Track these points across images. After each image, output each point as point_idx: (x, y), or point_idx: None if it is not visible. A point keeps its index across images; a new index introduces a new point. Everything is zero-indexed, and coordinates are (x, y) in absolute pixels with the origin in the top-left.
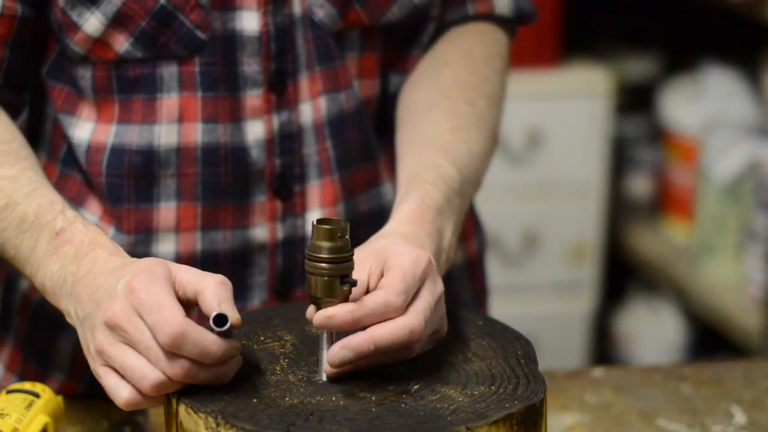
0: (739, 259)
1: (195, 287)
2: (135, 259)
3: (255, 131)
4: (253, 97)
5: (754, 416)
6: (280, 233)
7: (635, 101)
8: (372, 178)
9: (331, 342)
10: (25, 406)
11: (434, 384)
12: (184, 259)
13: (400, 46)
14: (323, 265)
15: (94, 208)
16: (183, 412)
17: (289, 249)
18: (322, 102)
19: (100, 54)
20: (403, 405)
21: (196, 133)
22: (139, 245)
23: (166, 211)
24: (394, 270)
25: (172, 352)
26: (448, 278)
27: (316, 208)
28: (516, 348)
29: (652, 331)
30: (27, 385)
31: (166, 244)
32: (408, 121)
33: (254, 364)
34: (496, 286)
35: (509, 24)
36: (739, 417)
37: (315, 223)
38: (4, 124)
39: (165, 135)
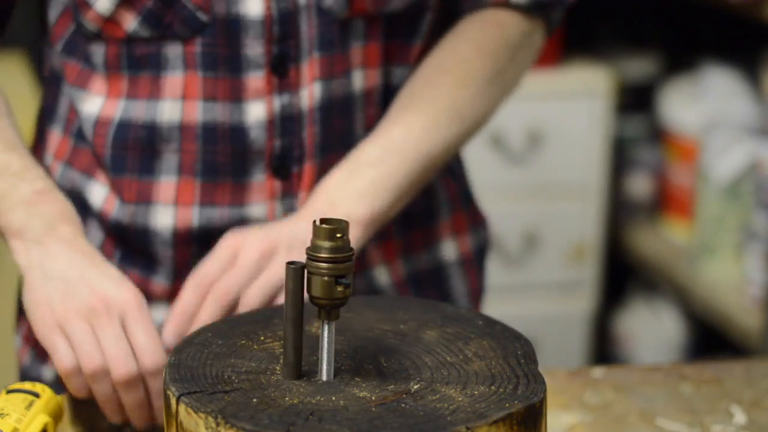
0: (739, 259)
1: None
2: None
3: (256, 112)
4: (255, 79)
5: (754, 416)
6: (279, 212)
7: (635, 101)
8: None
9: (331, 342)
10: (25, 406)
11: (434, 384)
12: (181, 233)
13: (400, 38)
14: (322, 264)
15: (103, 179)
16: (183, 412)
17: None
18: (316, 87)
19: (111, 32)
20: (403, 405)
21: (197, 111)
22: (139, 215)
23: (167, 185)
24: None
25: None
26: (438, 272)
27: (305, 190)
28: (516, 348)
29: (652, 331)
30: (27, 385)
31: (165, 217)
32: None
33: (254, 364)
34: (496, 286)
35: (531, 12)
36: (739, 417)
37: (315, 222)
38: None
39: (168, 111)
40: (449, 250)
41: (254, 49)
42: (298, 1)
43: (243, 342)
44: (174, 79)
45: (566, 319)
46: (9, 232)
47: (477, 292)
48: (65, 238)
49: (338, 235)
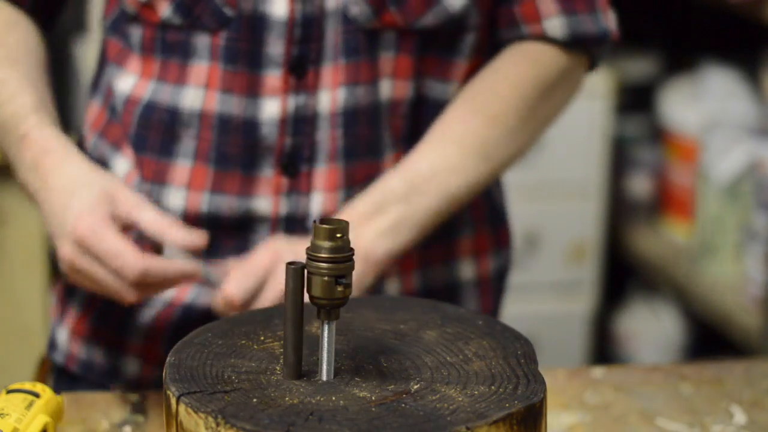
0: (739, 259)
1: (135, 213)
2: (84, 171)
3: (270, 109)
4: (273, 77)
5: (754, 416)
6: (283, 208)
7: (635, 101)
8: (373, 173)
9: (331, 342)
10: (25, 406)
11: (434, 384)
12: (190, 216)
13: (438, 53)
14: (322, 264)
15: (129, 155)
16: (183, 412)
17: (291, 225)
18: (340, 92)
19: (148, 16)
20: (403, 405)
21: (215, 101)
22: (154, 194)
23: (182, 169)
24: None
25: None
26: (452, 289)
27: (320, 191)
28: (516, 348)
29: (652, 331)
30: (27, 385)
31: (177, 198)
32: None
33: (254, 364)
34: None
35: (570, 47)
36: (739, 417)
37: (315, 222)
38: (17, 31)
39: (191, 98)
40: (467, 269)
41: (275, 48)
42: (324, 7)
43: (243, 342)
44: (199, 68)
45: (566, 319)
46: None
47: (490, 313)
48: (39, 188)
49: (338, 235)
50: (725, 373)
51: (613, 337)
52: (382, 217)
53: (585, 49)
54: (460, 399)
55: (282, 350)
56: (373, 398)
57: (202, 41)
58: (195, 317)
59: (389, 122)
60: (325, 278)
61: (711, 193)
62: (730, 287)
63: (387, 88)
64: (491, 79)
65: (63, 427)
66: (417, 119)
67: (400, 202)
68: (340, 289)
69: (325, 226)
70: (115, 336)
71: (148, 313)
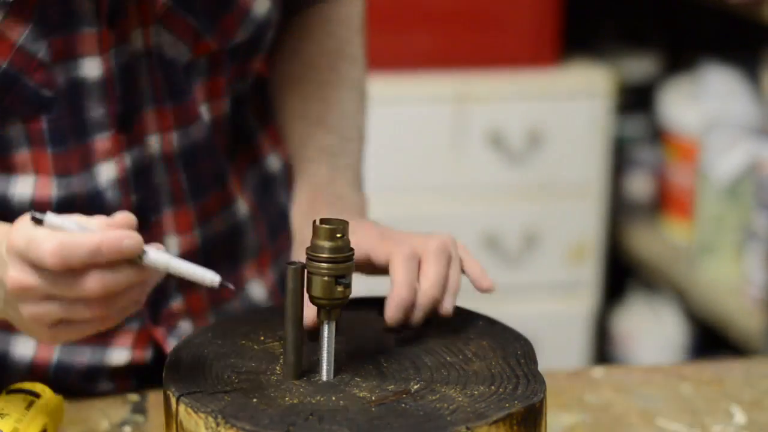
0: (739, 259)
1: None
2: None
3: (107, 173)
4: (103, 140)
5: (754, 416)
6: None
7: (635, 101)
8: (224, 199)
9: (331, 342)
10: (25, 406)
11: (434, 384)
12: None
13: (243, 59)
14: (322, 264)
15: None
16: (183, 412)
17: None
18: (174, 136)
19: None
20: (403, 405)
21: (51, 187)
22: None
23: None
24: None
25: (72, 269)
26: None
27: (172, 234)
28: (516, 348)
29: (652, 331)
30: (27, 385)
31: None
32: (281, 99)
33: (254, 364)
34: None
35: None
36: (739, 417)
37: (316, 222)
38: None
39: (20, 187)
40: (256, 289)
41: (98, 111)
42: (136, 53)
43: (243, 342)
44: (22, 156)
45: (566, 319)
46: None
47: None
48: None
49: (338, 235)
50: (725, 373)
51: (613, 337)
52: (344, 175)
53: None
54: (460, 399)
55: (282, 350)
56: (373, 398)
57: (15, 129)
58: None
59: (218, 142)
60: (325, 278)
61: (711, 193)
62: (730, 287)
63: (207, 112)
64: (329, 28)
65: (63, 427)
66: (236, 126)
67: (339, 157)
68: (340, 289)
69: (325, 226)
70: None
71: None
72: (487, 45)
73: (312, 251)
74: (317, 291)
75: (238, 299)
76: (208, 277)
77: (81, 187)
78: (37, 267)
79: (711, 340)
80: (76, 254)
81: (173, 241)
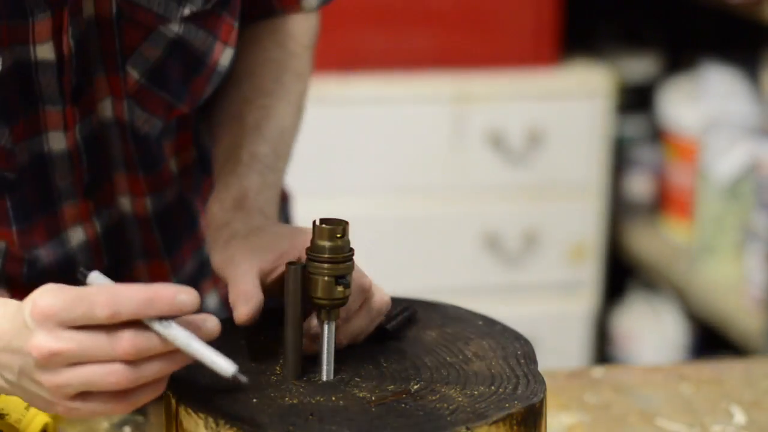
0: (739, 259)
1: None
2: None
3: (77, 238)
4: (70, 208)
5: (754, 416)
6: None
7: (635, 101)
8: (196, 243)
9: (331, 342)
10: (25, 406)
11: (434, 384)
12: None
13: (206, 104)
14: (322, 264)
15: None
16: (183, 412)
17: None
18: (147, 201)
19: None
20: (403, 405)
21: (22, 266)
22: None
23: None
24: None
25: (106, 330)
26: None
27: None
28: (516, 348)
29: (652, 331)
30: None
31: None
32: (219, 97)
33: (254, 364)
34: (495, 286)
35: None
36: (739, 417)
37: (316, 222)
38: None
39: None
40: (212, 300)
41: (65, 180)
42: (104, 122)
43: (243, 342)
44: None
45: (566, 319)
46: None
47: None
48: None
49: (338, 236)
50: (725, 373)
51: (613, 337)
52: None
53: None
54: (460, 399)
55: (282, 350)
56: (373, 398)
57: None
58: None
59: (187, 188)
60: (326, 278)
61: (711, 193)
62: (730, 287)
63: (175, 165)
64: (277, 39)
65: (63, 427)
66: (200, 156)
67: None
68: (340, 289)
69: (325, 226)
70: None
71: None
72: (487, 45)
73: (312, 251)
74: (317, 291)
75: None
76: (225, 366)
77: (49, 257)
78: (71, 327)
79: (711, 340)
80: (128, 305)
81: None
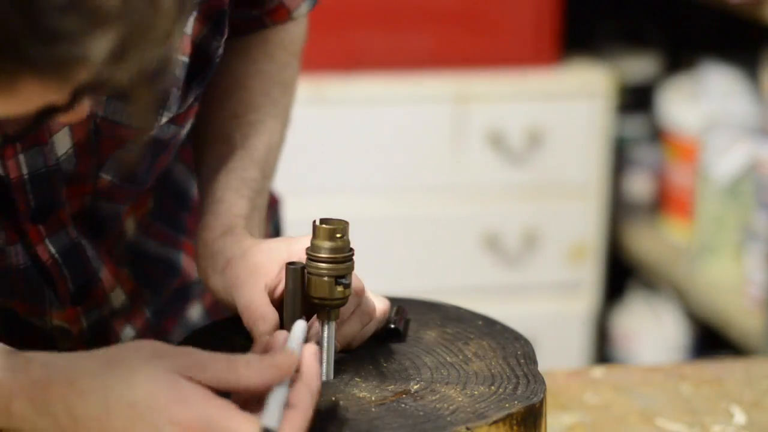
0: (739, 259)
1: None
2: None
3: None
4: (60, 314)
5: (754, 416)
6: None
7: (635, 101)
8: (171, 272)
9: (331, 342)
10: None
11: (434, 384)
12: None
13: None
14: (322, 265)
15: None
16: None
17: None
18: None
19: None
20: (403, 405)
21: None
22: None
23: None
24: None
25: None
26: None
27: (128, 328)
28: (516, 348)
29: (652, 331)
30: None
31: None
32: (206, 115)
33: None
34: (495, 286)
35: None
36: (739, 417)
37: (316, 222)
38: None
39: None
40: (195, 311)
41: (49, 293)
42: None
43: (243, 342)
44: None
45: (566, 319)
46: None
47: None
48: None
49: (338, 236)
50: (725, 373)
51: (613, 337)
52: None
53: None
54: (460, 399)
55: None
56: (373, 398)
57: None
58: None
59: (149, 234)
60: (325, 278)
61: (711, 193)
62: (730, 287)
63: (132, 224)
64: (267, 49)
65: None
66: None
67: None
68: (340, 289)
69: (325, 226)
70: None
71: None
72: (487, 45)
73: (312, 251)
74: (317, 291)
75: (180, 327)
76: (265, 420)
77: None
78: None
79: (711, 340)
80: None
81: (129, 331)
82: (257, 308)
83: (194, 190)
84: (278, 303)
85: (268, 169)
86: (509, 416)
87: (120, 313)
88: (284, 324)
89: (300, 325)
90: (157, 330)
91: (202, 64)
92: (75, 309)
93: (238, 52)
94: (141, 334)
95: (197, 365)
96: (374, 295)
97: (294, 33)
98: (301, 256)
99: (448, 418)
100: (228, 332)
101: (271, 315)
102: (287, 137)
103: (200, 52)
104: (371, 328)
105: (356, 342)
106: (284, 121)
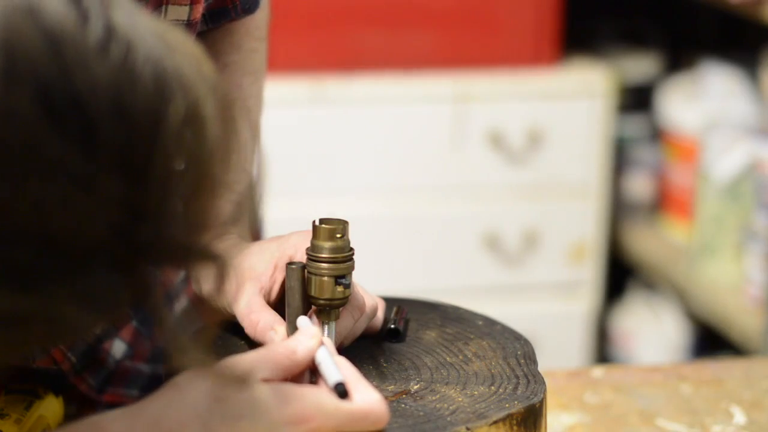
0: (739, 259)
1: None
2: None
3: None
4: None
5: (754, 416)
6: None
7: (635, 101)
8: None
9: (331, 342)
10: (25, 406)
11: (434, 384)
12: None
13: None
14: (322, 264)
15: None
16: None
17: None
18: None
19: None
20: (403, 405)
21: None
22: None
23: None
24: None
25: None
26: None
27: (120, 341)
28: (516, 348)
29: (652, 331)
30: (27, 386)
31: None
32: None
33: None
34: (495, 286)
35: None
36: (739, 417)
37: (316, 222)
38: None
39: None
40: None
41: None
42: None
43: (243, 342)
44: None
45: (566, 319)
46: None
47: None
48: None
49: (338, 235)
50: (725, 373)
51: (613, 336)
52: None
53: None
54: (460, 399)
55: None
56: None
57: None
58: None
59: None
60: (325, 278)
61: (711, 193)
62: (730, 287)
63: None
64: (234, 40)
65: None
66: None
67: None
68: (340, 289)
69: (325, 226)
70: None
71: None
72: (487, 45)
73: (312, 251)
74: (317, 291)
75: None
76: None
77: None
78: None
79: (711, 340)
80: None
81: (119, 345)
82: (262, 319)
83: None
84: (275, 304)
85: (246, 164)
86: (509, 416)
87: (107, 333)
88: (285, 324)
89: (304, 319)
90: (149, 337)
91: None
92: (59, 348)
93: (206, 48)
94: (132, 345)
95: (258, 366)
96: (363, 290)
97: (259, 18)
98: (292, 254)
99: (448, 419)
100: (223, 333)
101: (278, 323)
102: (287, 137)
103: None
104: (362, 324)
105: (348, 340)
106: (258, 109)
